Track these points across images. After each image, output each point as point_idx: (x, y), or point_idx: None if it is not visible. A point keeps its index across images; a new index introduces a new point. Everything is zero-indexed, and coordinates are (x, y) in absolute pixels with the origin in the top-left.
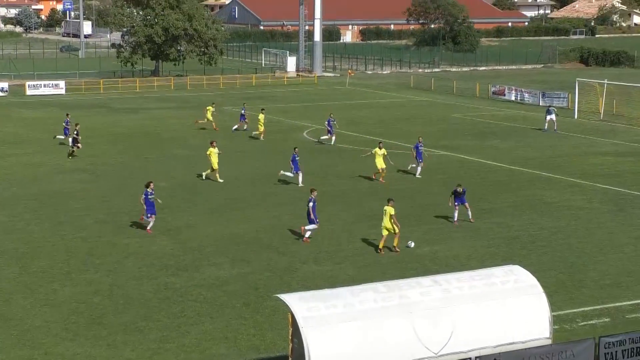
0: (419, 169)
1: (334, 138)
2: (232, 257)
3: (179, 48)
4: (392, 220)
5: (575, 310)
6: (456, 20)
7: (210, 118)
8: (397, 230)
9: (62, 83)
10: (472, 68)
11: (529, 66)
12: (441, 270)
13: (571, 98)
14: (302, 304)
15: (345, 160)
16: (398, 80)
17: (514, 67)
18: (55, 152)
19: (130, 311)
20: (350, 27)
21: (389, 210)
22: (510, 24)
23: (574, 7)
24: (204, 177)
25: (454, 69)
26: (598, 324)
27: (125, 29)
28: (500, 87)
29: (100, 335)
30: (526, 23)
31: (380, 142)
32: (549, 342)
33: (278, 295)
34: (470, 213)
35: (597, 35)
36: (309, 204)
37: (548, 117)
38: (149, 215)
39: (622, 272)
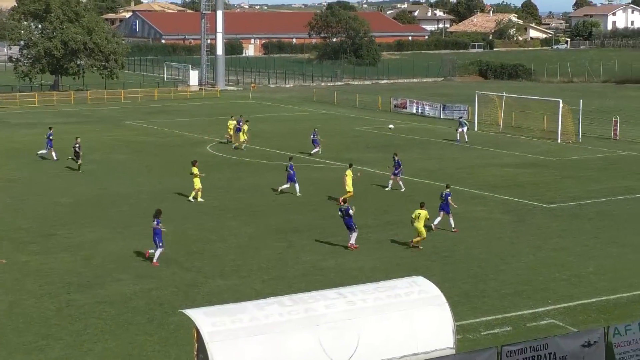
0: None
1: (319, 149)
2: (136, 273)
3: (78, 62)
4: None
5: (478, 319)
6: (358, 34)
7: (231, 132)
8: (424, 234)
9: None
10: (374, 81)
11: (430, 79)
12: (346, 283)
13: (471, 110)
14: (207, 319)
15: (250, 174)
16: (301, 94)
17: (415, 80)
18: None
19: (30, 330)
20: (252, 40)
21: (424, 213)
22: (410, 38)
23: (472, 21)
24: (192, 199)
25: (356, 82)
26: (500, 333)
27: (22, 42)
28: (401, 100)
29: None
30: (426, 37)
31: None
32: (453, 352)
33: (183, 311)
34: (452, 221)
35: (495, 49)
36: (344, 215)
37: (460, 129)
38: (160, 245)
39: (522, 281)
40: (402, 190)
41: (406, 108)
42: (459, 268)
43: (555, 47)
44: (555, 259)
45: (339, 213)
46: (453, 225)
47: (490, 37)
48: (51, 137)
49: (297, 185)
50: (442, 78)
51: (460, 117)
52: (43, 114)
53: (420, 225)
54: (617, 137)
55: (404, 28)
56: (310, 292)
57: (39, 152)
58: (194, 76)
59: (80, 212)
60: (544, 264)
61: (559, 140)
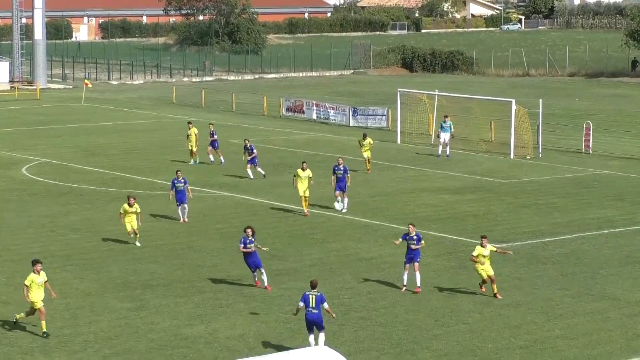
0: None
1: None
2: None
3: None
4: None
5: None
6: (233, 11)
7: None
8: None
9: None
10: (257, 75)
11: (335, 73)
12: (221, 357)
13: (392, 115)
14: None
15: (83, 206)
16: (155, 94)
17: (314, 74)
18: None
19: None
20: (85, 20)
21: (490, 247)
22: (307, 15)
23: None
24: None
25: (232, 77)
26: None
27: None
28: (296, 102)
29: None
30: (329, 14)
31: (303, 162)
32: None
33: None
34: (418, 279)
35: (423, 31)
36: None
37: (442, 136)
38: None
39: (465, 351)
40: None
41: (303, 112)
42: (378, 333)
43: (504, 27)
44: (508, 319)
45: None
46: (418, 283)
47: (417, 15)
48: None
49: (185, 210)
50: (352, 71)
51: (445, 119)
52: None
53: (488, 269)
54: (590, 151)
55: (299, 2)
56: None
57: None
58: (2, 69)
59: None
60: (493, 326)
61: (511, 156)
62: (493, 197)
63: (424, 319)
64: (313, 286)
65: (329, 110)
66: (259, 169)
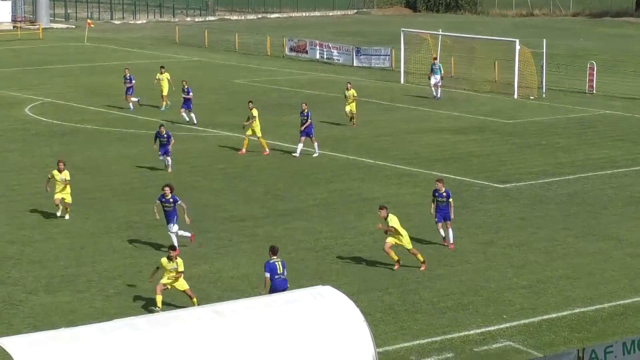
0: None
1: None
2: None
3: None
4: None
5: (408, 343)
6: None
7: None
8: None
9: None
10: (260, 15)
11: (338, 12)
12: (225, 297)
13: (395, 55)
14: (30, 350)
15: (87, 146)
16: (158, 33)
17: (317, 13)
18: None
19: None
20: None
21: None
22: None
23: None
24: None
25: (235, 17)
26: None
27: None
28: (299, 42)
29: None
30: None
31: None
32: None
33: None
34: (451, 235)
35: None
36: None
37: (433, 79)
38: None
39: (468, 290)
40: (316, 154)
41: (306, 52)
42: (381, 273)
43: None
44: (511, 259)
45: None
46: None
47: None
48: None
49: (169, 161)
50: (355, 10)
51: (434, 62)
52: None
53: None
54: (594, 91)
55: None
56: (175, 310)
57: None
58: (4, 8)
59: None
60: (496, 266)
61: (515, 96)
62: (497, 137)
63: (427, 258)
64: (274, 253)
65: (332, 50)
66: (193, 115)
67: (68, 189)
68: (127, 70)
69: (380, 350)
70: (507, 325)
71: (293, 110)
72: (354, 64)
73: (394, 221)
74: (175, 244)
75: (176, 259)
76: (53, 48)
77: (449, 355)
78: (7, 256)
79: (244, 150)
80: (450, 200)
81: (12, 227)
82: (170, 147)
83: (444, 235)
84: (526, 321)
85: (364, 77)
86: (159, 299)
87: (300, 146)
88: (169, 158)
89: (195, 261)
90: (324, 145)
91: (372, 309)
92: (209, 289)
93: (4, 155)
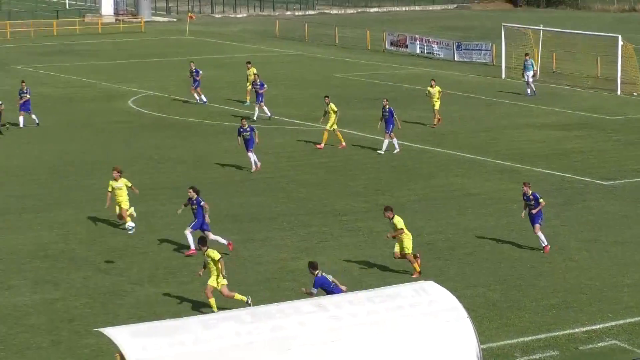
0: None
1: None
2: (34, 277)
3: None
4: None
5: (511, 340)
6: None
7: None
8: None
9: None
10: (360, 9)
11: (438, 7)
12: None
13: (496, 50)
14: (135, 341)
15: (189, 139)
16: (258, 27)
17: (417, 8)
18: None
19: None
20: None
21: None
22: None
23: None
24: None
25: (334, 11)
26: (543, 358)
27: None
28: (399, 36)
29: None
30: None
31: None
32: None
33: (101, 330)
34: (542, 237)
35: None
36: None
37: (527, 75)
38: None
39: (572, 288)
40: (397, 151)
41: (406, 47)
42: (484, 269)
43: None
44: (615, 257)
45: None
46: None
47: None
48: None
49: (252, 157)
50: (455, 5)
51: (526, 58)
52: None
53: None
54: None
55: None
56: (278, 303)
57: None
58: (107, 2)
59: None
60: (601, 264)
61: (618, 92)
62: (599, 133)
63: (530, 256)
64: (315, 267)
65: (432, 45)
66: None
67: (125, 195)
68: (192, 64)
69: (484, 346)
70: (613, 323)
71: (393, 105)
72: (455, 59)
73: (400, 223)
74: (191, 244)
75: (206, 252)
76: (154, 41)
77: (553, 353)
78: (112, 247)
79: (322, 145)
80: (541, 200)
81: (117, 218)
82: (254, 142)
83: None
84: (632, 320)
85: (464, 72)
86: (212, 302)
87: (385, 142)
88: (250, 154)
89: (297, 255)
90: (424, 141)
91: (475, 305)
92: (310, 283)
93: (108, 147)
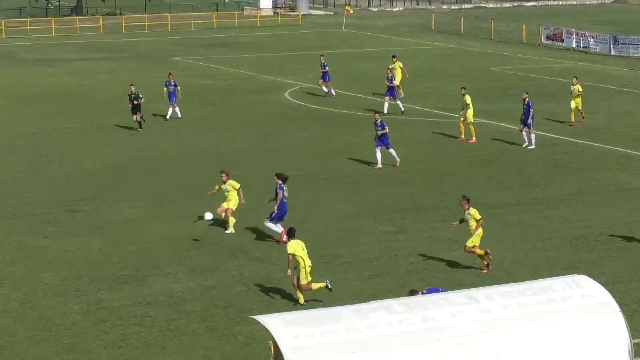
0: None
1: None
2: (190, 265)
3: None
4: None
5: None
6: None
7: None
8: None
9: None
10: (516, 3)
11: (595, 1)
12: (479, 282)
13: None
14: (288, 330)
15: (345, 130)
16: (414, 20)
17: (573, 2)
18: None
19: (49, 340)
20: None
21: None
22: None
23: None
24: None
25: (490, 5)
26: None
27: None
28: (555, 30)
29: None
30: None
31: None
32: None
33: (255, 317)
34: None
35: None
36: None
37: None
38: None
39: None
40: (531, 147)
41: (562, 41)
42: (637, 265)
43: None
44: None
45: None
46: None
47: None
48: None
49: (392, 151)
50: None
51: None
52: (62, 46)
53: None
54: None
55: None
56: (430, 295)
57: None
58: None
59: (113, 181)
60: None
61: None
62: None
63: None
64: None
65: (588, 39)
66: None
67: (234, 197)
68: (322, 57)
69: (636, 341)
70: None
71: (547, 99)
72: (611, 53)
73: (476, 214)
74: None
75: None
76: (311, 34)
77: None
78: (267, 235)
79: (462, 137)
80: None
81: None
82: (385, 137)
83: None
84: None
85: (621, 66)
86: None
87: (524, 136)
88: (385, 150)
89: (450, 246)
90: (578, 134)
91: (627, 299)
92: (463, 275)
93: (264, 138)
